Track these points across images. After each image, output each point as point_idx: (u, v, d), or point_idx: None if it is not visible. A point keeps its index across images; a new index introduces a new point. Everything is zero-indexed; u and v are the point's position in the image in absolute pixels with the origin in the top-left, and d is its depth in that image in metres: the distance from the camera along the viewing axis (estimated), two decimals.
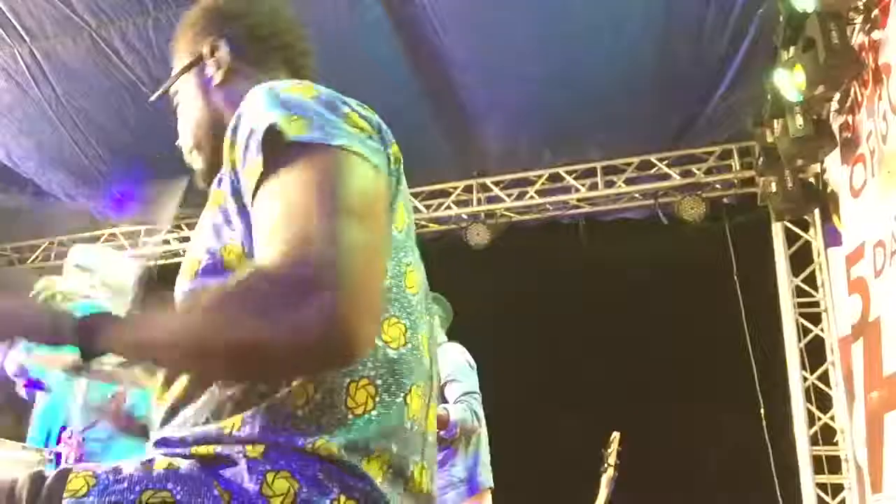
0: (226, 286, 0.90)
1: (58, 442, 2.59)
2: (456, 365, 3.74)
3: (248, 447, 0.93)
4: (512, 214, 5.84)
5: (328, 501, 0.90)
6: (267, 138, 0.95)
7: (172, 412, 1.04)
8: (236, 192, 1.02)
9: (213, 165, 1.21)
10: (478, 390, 3.70)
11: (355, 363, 0.95)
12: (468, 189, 5.84)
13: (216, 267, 1.03)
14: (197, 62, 1.29)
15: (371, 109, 1.09)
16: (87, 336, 0.95)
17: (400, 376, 1.01)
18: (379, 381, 0.99)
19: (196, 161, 1.29)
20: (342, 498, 0.91)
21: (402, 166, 1.11)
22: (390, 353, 1.01)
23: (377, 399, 0.98)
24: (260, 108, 0.99)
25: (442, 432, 3.54)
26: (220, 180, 1.10)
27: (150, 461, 0.94)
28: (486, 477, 3.76)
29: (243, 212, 1.01)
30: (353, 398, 0.97)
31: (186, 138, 1.30)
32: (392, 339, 1.02)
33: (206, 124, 1.26)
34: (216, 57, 1.27)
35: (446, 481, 3.64)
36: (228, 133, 1.03)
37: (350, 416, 0.96)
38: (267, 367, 0.88)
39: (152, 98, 1.37)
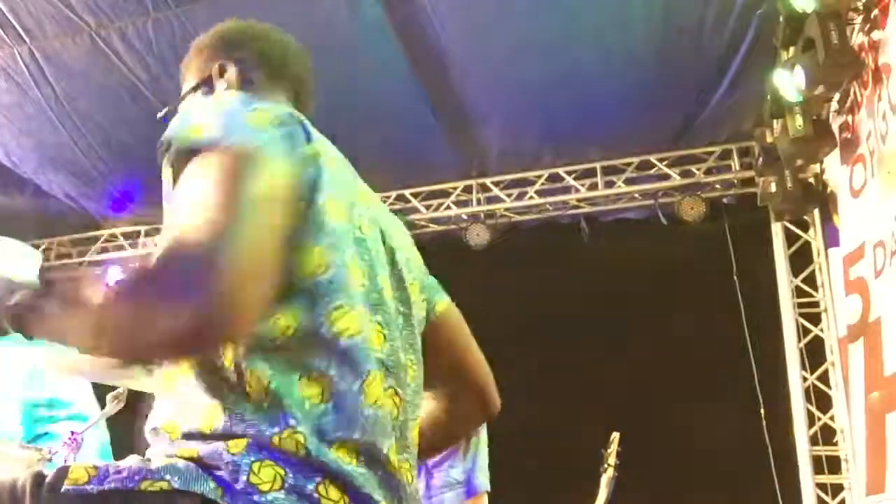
0: (123, 281, 0.99)
1: None
2: None
3: (230, 443, 0.96)
4: (512, 215, 5.83)
5: (313, 485, 0.95)
6: (168, 151, 1.05)
7: (158, 410, 1.08)
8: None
9: None
10: None
11: (226, 342, 0.99)
12: (468, 189, 5.84)
13: None
14: (205, 82, 1.33)
15: (295, 111, 1.15)
16: (16, 323, 1.02)
17: (356, 364, 1.04)
18: (332, 371, 1.02)
19: None
20: (326, 481, 0.95)
21: (321, 158, 1.11)
22: (341, 344, 1.03)
23: (332, 391, 1.01)
24: (174, 121, 1.09)
25: None
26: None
27: (149, 460, 0.99)
28: (482, 481, 3.76)
29: None
30: (308, 390, 1.00)
31: None
32: (342, 331, 1.04)
33: None
34: (225, 77, 1.32)
35: (444, 481, 3.64)
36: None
37: (307, 406, 0.99)
38: (150, 347, 0.92)
39: (159, 115, 1.40)
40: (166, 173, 1.07)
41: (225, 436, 0.97)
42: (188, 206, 0.97)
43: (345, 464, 0.98)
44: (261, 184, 0.98)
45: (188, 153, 1.02)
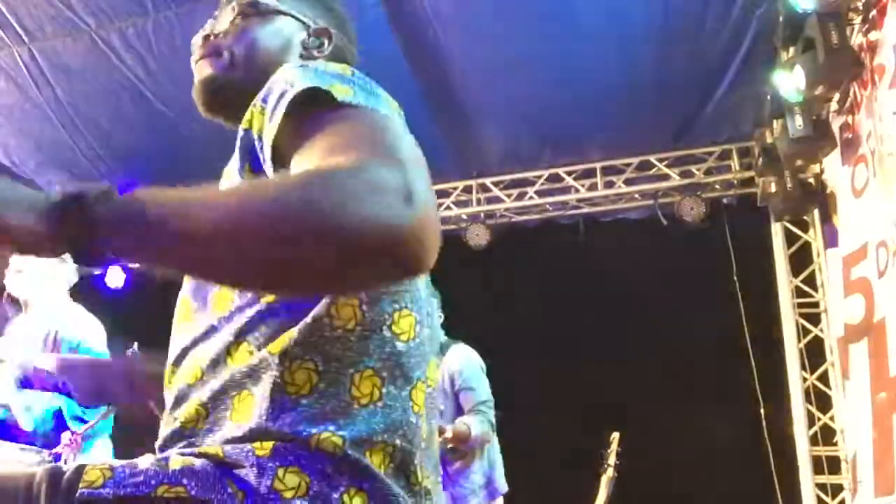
0: (290, 174, 0.83)
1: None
2: (470, 370, 3.76)
3: (256, 445, 0.93)
4: (511, 215, 5.83)
5: (338, 494, 0.91)
6: (307, 97, 0.91)
7: (180, 401, 1.04)
8: (246, 165, 1.00)
9: (241, 90, 1.15)
10: (491, 397, 3.72)
11: (421, 272, 0.81)
12: (468, 189, 5.84)
13: None
14: (302, 23, 1.29)
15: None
16: (84, 223, 0.76)
17: (408, 370, 1.01)
18: (385, 374, 0.99)
19: (228, 69, 1.22)
20: (352, 490, 0.92)
21: None
22: (399, 346, 1.01)
23: (383, 391, 0.99)
24: (296, 75, 0.96)
25: (462, 446, 3.57)
26: (242, 158, 1.05)
27: (166, 459, 0.94)
28: (502, 482, 3.79)
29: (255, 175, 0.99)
30: (358, 388, 0.97)
31: (255, 50, 1.23)
32: (402, 332, 1.02)
33: (269, 67, 1.14)
34: (324, 37, 1.30)
35: (467, 489, 3.66)
36: (258, 100, 1.00)
37: (355, 406, 0.96)
38: (343, 259, 0.76)
39: None
40: (278, 111, 0.92)
41: (255, 434, 0.94)
42: (361, 137, 0.86)
43: (375, 471, 0.94)
44: (417, 148, 0.91)
45: (328, 104, 0.90)
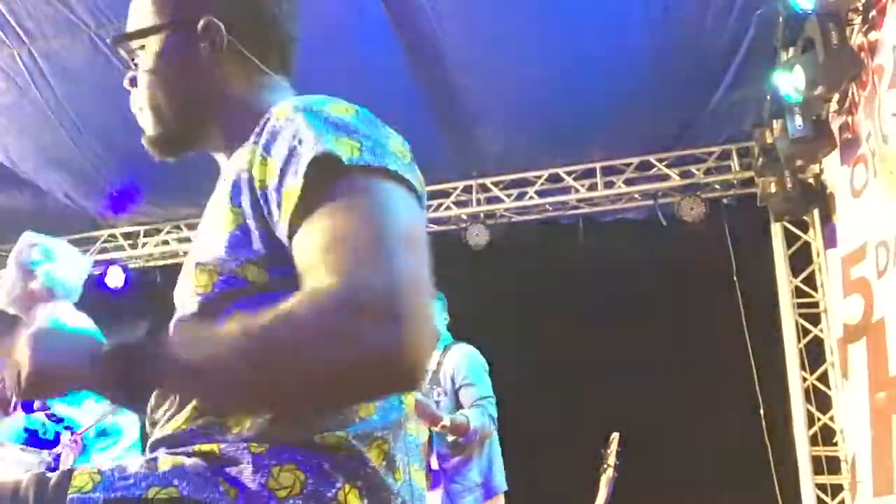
0: (284, 308, 0.87)
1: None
2: (471, 367, 3.76)
3: (253, 444, 0.93)
4: (511, 215, 5.83)
5: (334, 491, 0.92)
6: (319, 163, 0.92)
7: (174, 405, 1.03)
8: (259, 214, 1.00)
9: (182, 138, 1.20)
10: (492, 393, 3.72)
11: (415, 387, 0.95)
12: (467, 189, 5.84)
13: (236, 281, 1.01)
14: (185, 27, 1.17)
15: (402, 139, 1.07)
16: (132, 372, 0.90)
17: None
18: None
19: (157, 125, 1.20)
20: (346, 487, 0.93)
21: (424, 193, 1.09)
22: None
23: (378, 404, 1.01)
24: (303, 127, 0.96)
25: (461, 439, 3.55)
26: (234, 194, 1.04)
27: (154, 460, 0.94)
28: (500, 481, 3.78)
29: (264, 234, 0.99)
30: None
31: (163, 100, 1.18)
32: None
33: (205, 98, 1.17)
34: (213, 33, 1.16)
35: (463, 486, 3.66)
36: (260, 148, 1.00)
37: (355, 419, 0.98)
38: (339, 390, 0.86)
39: (109, 39, 1.34)
40: (293, 188, 0.93)
41: (253, 437, 0.94)
42: (353, 234, 0.89)
43: (373, 462, 0.97)
44: (416, 217, 0.96)
45: (335, 173, 0.92)
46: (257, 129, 1.03)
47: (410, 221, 0.94)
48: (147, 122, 1.21)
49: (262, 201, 0.99)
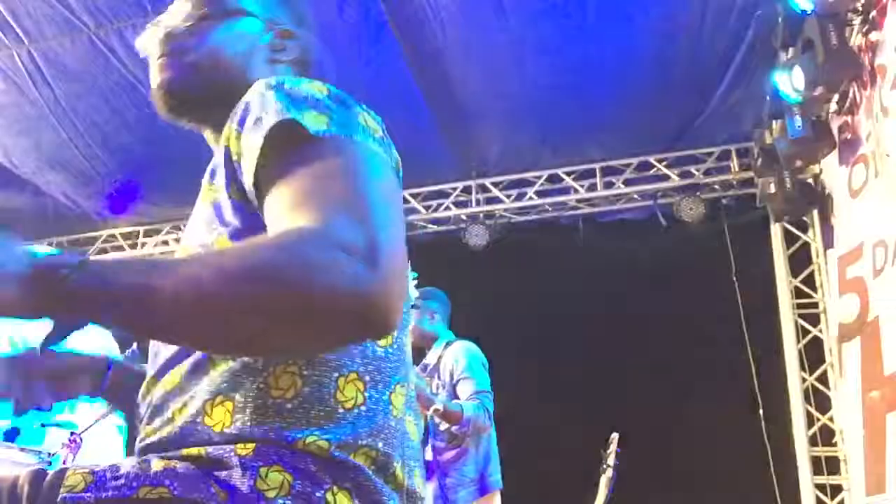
0: (250, 241, 0.85)
1: None
2: (470, 362, 3.76)
3: (238, 446, 0.93)
4: (511, 215, 5.84)
5: (322, 491, 0.91)
6: (281, 129, 0.92)
7: (159, 409, 1.03)
8: (233, 186, 1.01)
9: (202, 100, 1.18)
10: (490, 389, 3.72)
11: (385, 334, 0.91)
12: (467, 190, 5.84)
13: None
14: (264, 23, 1.24)
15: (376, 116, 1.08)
16: (60, 288, 0.78)
17: (385, 374, 1.03)
18: (367, 377, 1.00)
19: (189, 78, 1.19)
20: (335, 488, 0.92)
21: (401, 173, 1.11)
22: (378, 351, 1.03)
23: (366, 395, 0.99)
24: (271, 100, 0.97)
25: (454, 428, 3.55)
26: (212, 173, 1.07)
27: (147, 461, 0.94)
28: (496, 478, 3.77)
29: (239, 206, 1.00)
30: (343, 392, 0.98)
31: (211, 62, 1.19)
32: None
33: (234, 72, 1.18)
34: (285, 42, 1.25)
35: (458, 480, 3.66)
36: (235, 123, 1.01)
37: (340, 410, 0.97)
38: (306, 328, 0.81)
39: None
40: (254, 146, 0.94)
41: (238, 440, 0.94)
42: (330, 185, 0.88)
43: (362, 466, 0.95)
44: (391, 183, 0.95)
45: (302, 138, 0.92)
46: (235, 108, 1.04)
47: (387, 181, 0.93)
48: (173, 65, 1.21)
49: (237, 173, 1.00)
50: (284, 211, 0.88)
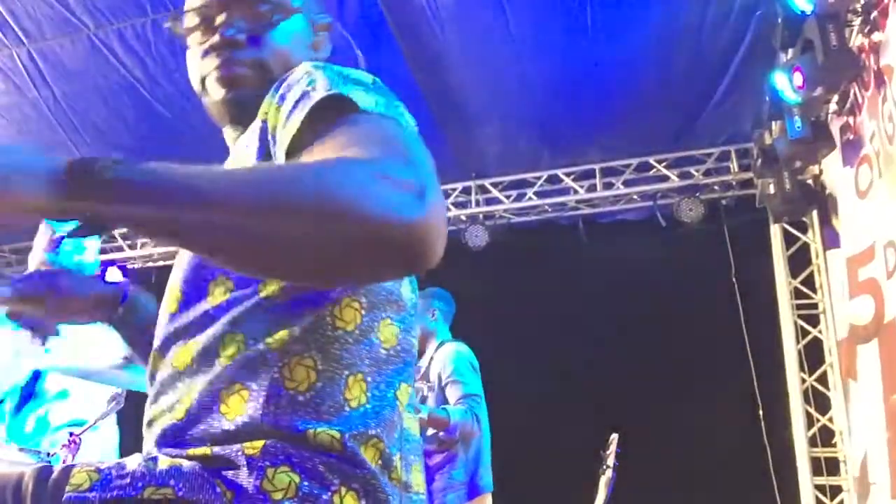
0: (301, 161, 0.84)
1: None
2: (458, 366, 3.74)
3: (246, 444, 0.92)
4: (510, 216, 5.84)
5: (329, 493, 0.91)
6: (331, 101, 0.91)
7: (166, 390, 1.02)
8: (267, 148, 1.00)
9: (256, 107, 1.11)
10: (480, 392, 3.70)
11: (426, 267, 0.85)
12: (466, 190, 5.84)
13: None
14: (301, 18, 1.24)
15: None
16: (94, 190, 0.75)
17: (388, 375, 1.03)
18: (369, 379, 1.00)
19: (255, 87, 1.14)
20: (342, 490, 0.92)
21: None
22: (381, 354, 1.03)
23: (369, 394, 0.99)
24: (320, 78, 0.96)
25: (441, 434, 3.53)
26: (249, 142, 1.06)
27: (154, 459, 0.94)
28: (486, 481, 3.75)
29: None
30: (350, 390, 0.98)
31: (278, 67, 1.16)
32: (385, 340, 1.03)
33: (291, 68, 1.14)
34: (323, 35, 1.28)
35: (446, 483, 3.63)
36: (275, 98, 1.00)
37: (347, 408, 0.97)
38: (350, 248, 0.78)
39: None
40: (297, 117, 0.92)
41: (248, 429, 0.94)
42: (373, 137, 0.87)
43: (370, 465, 0.95)
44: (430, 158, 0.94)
45: (351, 110, 0.91)
46: (276, 84, 1.03)
47: (426, 153, 0.90)
48: (242, 78, 1.16)
49: (272, 145, 0.99)
50: (330, 151, 0.85)
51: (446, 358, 3.77)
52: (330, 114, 0.90)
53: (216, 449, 0.93)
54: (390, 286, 1.05)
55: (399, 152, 0.85)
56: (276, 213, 0.76)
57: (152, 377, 1.07)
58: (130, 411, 2.42)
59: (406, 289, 1.10)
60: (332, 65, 1.02)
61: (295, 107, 0.94)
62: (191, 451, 0.94)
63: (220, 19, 1.18)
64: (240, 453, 0.92)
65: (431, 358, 3.83)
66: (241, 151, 1.08)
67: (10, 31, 4.33)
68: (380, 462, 0.97)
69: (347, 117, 0.90)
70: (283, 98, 0.99)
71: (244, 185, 0.78)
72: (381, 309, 1.04)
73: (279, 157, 0.95)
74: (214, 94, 1.18)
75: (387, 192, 0.76)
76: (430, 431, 3.57)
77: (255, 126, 1.04)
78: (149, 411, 1.05)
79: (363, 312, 1.01)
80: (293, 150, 0.92)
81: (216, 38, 1.17)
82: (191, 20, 1.20)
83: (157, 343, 1.08)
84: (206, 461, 0.93)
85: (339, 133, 0.88)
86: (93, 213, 0.77)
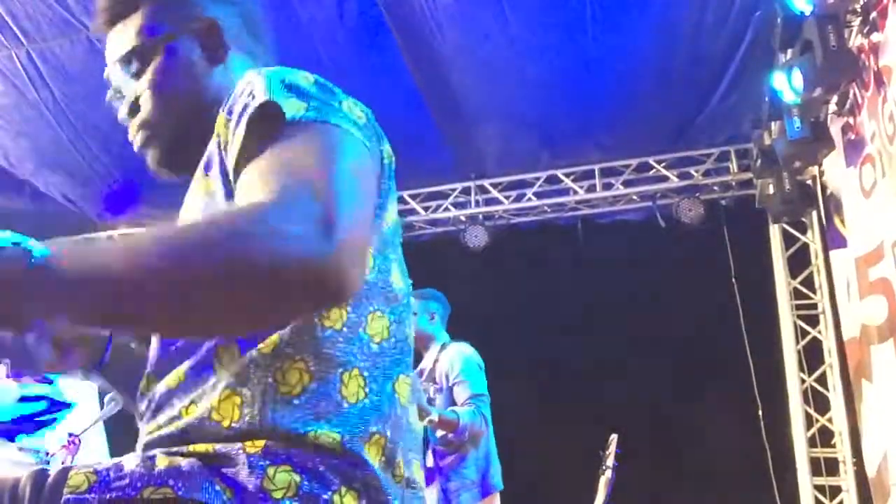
0: (203, 217, 0.88)
1: None
2: (465, 366, 3.76)
3: (247, 443, 0.92)
4: (510, 216, 5.83)
5: (330, 493, 0.91)
6: (262, 113, 0.95)
7: (163, 406, 1.02)
8: (225, 174, 1.02)
9: (181, 148, 1.18)
10: (486, 392, 3.73)
11: (338, 303, 0.91)
12: (466, 191, 5.84)
13: None
14: (180, 35, 1.21)
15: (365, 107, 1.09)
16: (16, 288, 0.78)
17: (386, 368, 1.03)
18: (366, 373, 1.00)
19: (157, 138, 1.22)
20: (343, 489, 0.92)
21: (393, 166, 1.11)
22: (373, 347, 1.02)
23: (367, 389, 0.99)
24: (259, 87, 0.98)
25: (451, 435, 3.56)
26: (206, 165, 1.07)
27: (152, 458, 0.93)
28: (497, 480, 3.78)
29: (231, 194, 1.00)
30: (347, 387, 0.98)
31: (157, 112, 1.23)
32: (375, 333, 1.03)
33: (198, 103, 1.18)
34: (214, 36, 1.21)
35: (460, 483, 3.66)
36: (224, 112, 1.02)
37: (345, 406, 0.97)
38: (260, 297, 0.80)
39: (116, 59, 1.30)
40: (239, 132, 0.96)
41: (247, 435, 0.93)
42: (295, 160, 0.89)
43: (371, 464, 0.95)
44: (364, 164, 0.97)
45: (278, 123, 0.94)
46: (228, 95, 1.06)
47: (357, 160, 0.94)
48: (155, 146, 1.24)
49: (226, 161, 1.01)
50: (246, 189, 0.90)
51: (452, 359, 3.79)
52: (265, 126, 0.94)
53: (217, 447, 0.93)
54: (375, 277, 1.05)
55: (306, 179, 0.86)
56: (188, 283, 0.78)
57: (146, 395, 1.07)
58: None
59: (396, 277, 1.09)
60: (278, 68, 1.04)
61: (238, 121, 0.98)
62: (190, 448, 0.94)
63: (125, 92, 1.29)
64: (240, 451, 0.91)
65: (436, 359, 3.84)
66: (200, 178, 1.08)
67: (9, 32, 4.32)
68: (383, 459, 0.97)
69: (272, 133, 0.93)
70: (230, 112, 1.01)
71: (146, 269, 0.79)
72: (367, 302, 1.03)
73: (230, 170, 0.99)
74: (151, 167, 1.25)
75: (289, 240, 0.79)
76: (440, 433, 3.59)
77: (213, 144, 1.06)
78: (145, 428, 1.05)
79: (349, 308, 1.01)
80: (239, 165, 0.96)
81: (125, 110, 1.27)
82: (122, 110, 1.31)
83: (150, 367, 1.08)
84: (207, 459, 0.92)
85: (263, 157, 0.92)
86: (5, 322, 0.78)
